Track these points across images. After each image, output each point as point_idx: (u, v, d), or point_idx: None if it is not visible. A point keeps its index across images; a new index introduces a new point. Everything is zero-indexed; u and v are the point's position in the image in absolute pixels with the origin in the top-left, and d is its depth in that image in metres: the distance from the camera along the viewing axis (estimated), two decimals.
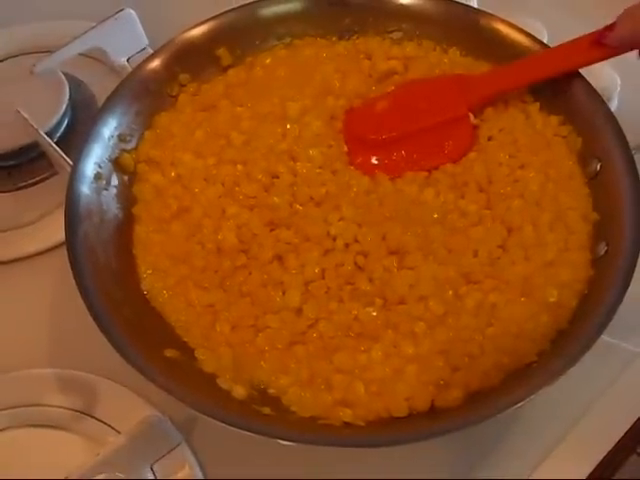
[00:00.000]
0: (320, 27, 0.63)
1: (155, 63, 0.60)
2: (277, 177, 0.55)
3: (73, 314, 0.48)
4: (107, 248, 0.52)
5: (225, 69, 0.62)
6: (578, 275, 0.49)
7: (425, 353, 0.47)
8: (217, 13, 0.62)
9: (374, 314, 0.49)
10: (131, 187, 0.56)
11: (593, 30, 0.53)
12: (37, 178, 0.65)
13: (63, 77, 0.67)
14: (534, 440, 0.49)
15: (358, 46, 0.63)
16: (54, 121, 0.64)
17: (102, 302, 0.48)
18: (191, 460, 0.49)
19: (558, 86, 0.56)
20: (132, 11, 0.64)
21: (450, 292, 0.49)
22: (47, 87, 0.66)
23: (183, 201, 0.54)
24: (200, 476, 0.49)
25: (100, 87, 0.68)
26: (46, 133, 0.61)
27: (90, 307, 0.47)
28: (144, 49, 0.65)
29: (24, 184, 0.65)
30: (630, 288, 0.45)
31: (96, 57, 0.69)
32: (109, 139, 0.56)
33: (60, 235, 0.51)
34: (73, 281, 0.48)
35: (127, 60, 0.64)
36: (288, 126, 0.57)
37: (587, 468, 0.48)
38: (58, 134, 0.65)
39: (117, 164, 0.56)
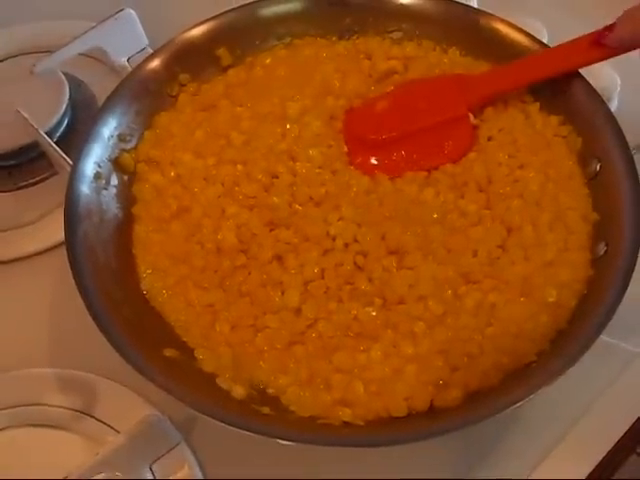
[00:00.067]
0: (320, 27, 0.63)
1: (155, 63, 0.60)
2: (277, 177, 0.55)
3: (73, 314, 0.48)
4: (107, 248, 0.52)
5: (225, 69, 0.62)
6: (577, 275, 0.49)
7: (424, 353, 0.47)
8: (217, 13, 0.62)
9: (373, 314, 0.49)
10: (131, 187, 0.56)
11: (593, 30, 0.53)
12: (37, 178, 0.65)
13: (63, 77, 0.67)
14: (533, 440, 0.49)
15: (358, 46, 0.63)
16: (54, 121, 0.64)
17: (102, 302, 0.48)
18: (190, 460, 0.49)
19: (558, 86, 0.56)
20: (132, 11, 0.64)
21: (449, 292, 0.49)
22: (47, 87, 0.66)
23: (183, 201, 0.54)
24: (199, 476, 0.49)
25: (100, 87, 0.68)
26: (46, 133, 0.61)
27: (89, 307, 0.47)
28: (144, 49, 0.65)
29: (24, 184, 0.65)
30: (629, 288, 0.45)
31: (96, 57, 0.69)
32: (109, 139, 0.56)
33: (60, 235, 0.51)
34: (73, 281, 0.48)
35: (127, 60, 0.64)
36: (288, 126, 0.57)
37: (586, 468, 0.48)
38: (58, 134, 0.65)
39: (117, 164, 0.56)
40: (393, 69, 0.60)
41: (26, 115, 0.61)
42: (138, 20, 0.65)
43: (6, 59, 0.73)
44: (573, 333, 0.46)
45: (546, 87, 0.56)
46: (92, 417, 0.51)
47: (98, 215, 0.53)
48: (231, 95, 0.60)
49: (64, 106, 0.65)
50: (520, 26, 0.59)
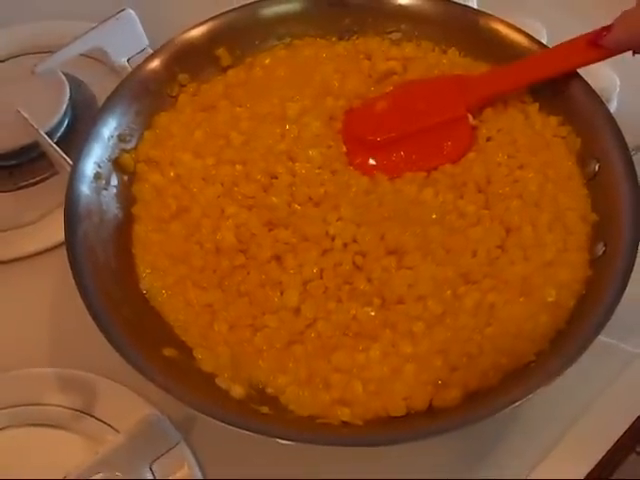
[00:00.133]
0: (320, 27, 0.63)
1: (155, 63, 0.60)
2: (276, 177, 0.55)
3: (73, 313, 0.48)
4: (106, 248, 0.52)
5: (225, 69, 0.62)
6: (576, 275, 0.49)
7: (423, 353, 0.47)
8: (217, 13, 0.62)
9: (372, 314, 0.49)
10: (131, 187, 0.56)
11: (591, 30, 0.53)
12: (37, 178, 0.65)
13: (63, 77, 0.67)
14: (532, 440, 0.49)
15: (358, 46, 0.63)
16: (54, 121, 0.64)
17: (101, 301, 0.48)
18: (190, 459, 0.49)
19: (557, 87, 0.56)
20: (132, 11, 0.64)
21: (449, 292, 0.49)
22: (48, 87, 0.66)
23: (182, 201, 0.54)
24: (199, 475, 0.49)
25: (100, 87, 0.68)
26: (46, 133, 0.61)
27: (89, 306, 0.47)
28: (144, 49, 0.65)
29: (24, 184, 0.65)
30: (628, 289, 0.45)
31: (96, 57, 0.69)
32: (109, 139, 0.56)
33: (60, 235, 0.51)
34: (73, 281, 0.48)
35: (127, 60, 0.64)
36: (287, 126, 0.57)
37: (586, 468, 0.48)
38: (58, 134, 0.65)
39: (117, 164, 0.56)
40: (392, 70, 0.60)
41: (26, 115, 0.61)
42: (138, 20, 0.65)
43: (7, 59, 0.73)
44: (572, 333, 0.46)
45: (545, 88, 0.56)
46: (92, 417, 0.51)
47: (98, 215, 0.53)
48: (230, 95, 0.60)
49: (64, 106, 0.65)
50: (519, 26, 0.59)
